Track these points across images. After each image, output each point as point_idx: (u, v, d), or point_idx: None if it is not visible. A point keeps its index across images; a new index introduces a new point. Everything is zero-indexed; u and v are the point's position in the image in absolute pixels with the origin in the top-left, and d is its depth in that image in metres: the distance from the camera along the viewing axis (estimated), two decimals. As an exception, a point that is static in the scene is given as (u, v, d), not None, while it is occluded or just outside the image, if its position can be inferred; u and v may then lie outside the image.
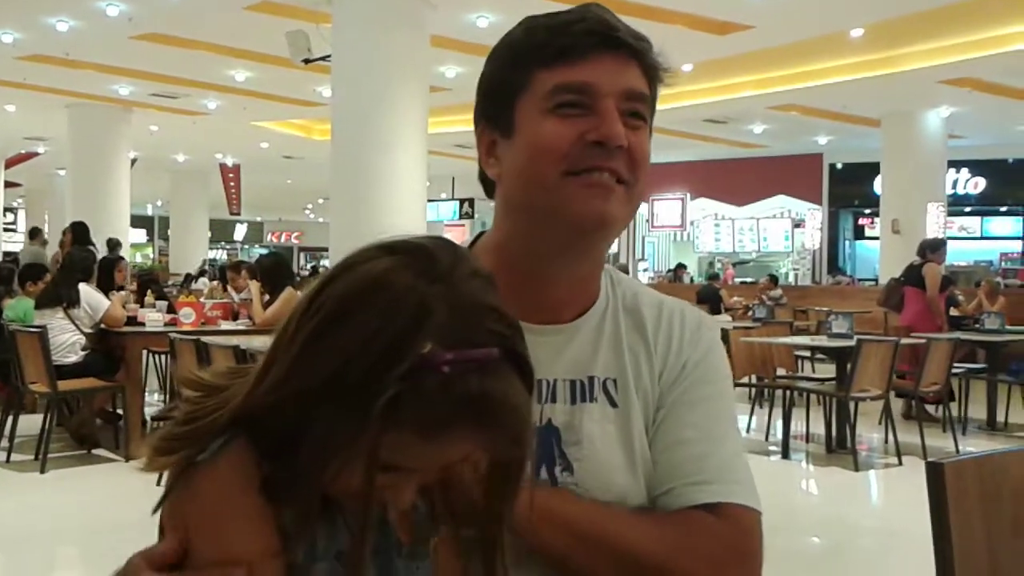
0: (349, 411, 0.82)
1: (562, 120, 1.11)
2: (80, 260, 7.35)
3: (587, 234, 1.13)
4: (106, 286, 8.11)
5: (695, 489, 1.13)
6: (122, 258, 9.13)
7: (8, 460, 6.34)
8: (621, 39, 1.13)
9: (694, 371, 1.21)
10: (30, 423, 6.77)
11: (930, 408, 8.28)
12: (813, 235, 20.70)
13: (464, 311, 0.84)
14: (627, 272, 16.41)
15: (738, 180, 21.01)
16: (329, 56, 9.63)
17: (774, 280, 16.11)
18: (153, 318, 7.37)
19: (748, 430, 8.09)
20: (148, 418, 7.14)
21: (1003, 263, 20.19)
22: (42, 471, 6.06)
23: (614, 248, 23.81)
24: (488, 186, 1.21)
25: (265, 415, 0.87)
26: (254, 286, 7.55)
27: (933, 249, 8.91)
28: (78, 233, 10.69)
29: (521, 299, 1.12)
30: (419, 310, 0.82)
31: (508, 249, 1.18)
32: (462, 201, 22.95)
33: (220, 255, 34.33)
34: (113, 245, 12.36)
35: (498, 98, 1.16)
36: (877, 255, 17.41)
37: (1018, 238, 20.97)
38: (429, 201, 10.02)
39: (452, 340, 0.81)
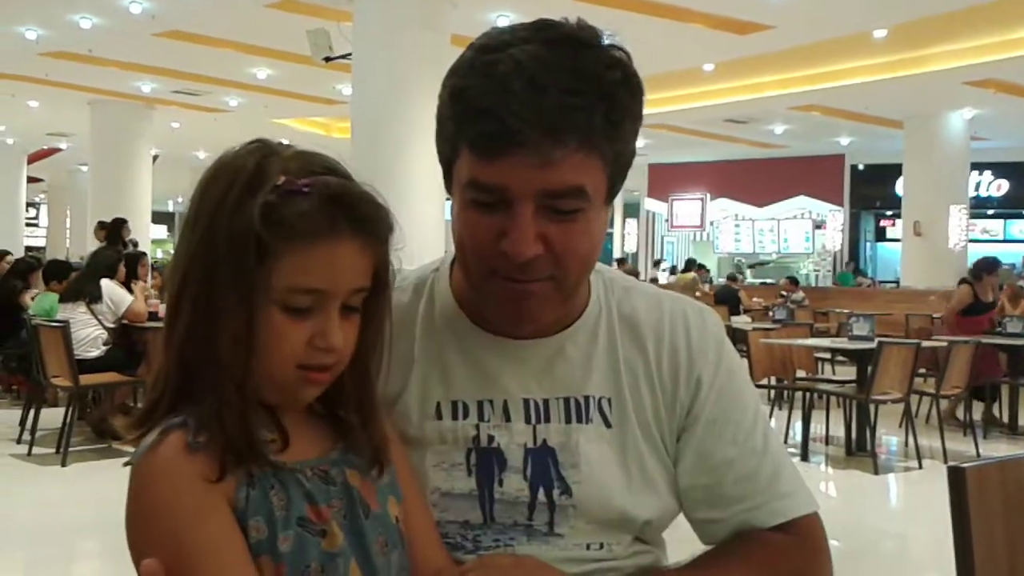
0: (236, 265, 0.91)
1: (479, 215, 1.04)
2: (106, 257, 7.41)
3: (509, 326, 1.14)
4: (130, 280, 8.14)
5: (757, 513, 1.16)
6: (144, 253, 9.19)
7: (30, 453, 6.39)
8: (540, 136, 0.97)
9: (714, 382, 1.18)
10: (52, 417, 6.83)
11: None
12: (834, 236, 20.58)
13: (302, 156, 0.98)
14: (638, 275, 16.43)
15: (758, 180, 20.94)
16: (350, 54, 9.65)
17: (795, 282, 16.01)
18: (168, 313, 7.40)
19: (766, 432, 8.05)
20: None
21: (1026, 266, 20.03)
22: (63, 464, 6.11)
23: (632, 248, 23.83)
24: None
25: (183, 339, 0.95)
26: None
27: (989, 271, 8.87)
28: (115, 230, 10.91)
29: (500, 314, 1.13)
30: (263, 159, 0.96)
31: (468, 282, 1.16)
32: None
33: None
34: (134, 245, 12.48)
35: (440, 145, 1.09)
36: (898, 257, 17.32)
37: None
38: (447, 199, 10.01)
39: (298, 172, 0.94)
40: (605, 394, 1.16)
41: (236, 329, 0.92)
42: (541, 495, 1.12)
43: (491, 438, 1.13)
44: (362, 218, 0.95)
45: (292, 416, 1.00)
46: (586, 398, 1.16)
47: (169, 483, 0.91)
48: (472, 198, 1.04)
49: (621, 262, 19.02)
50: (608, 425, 1.16)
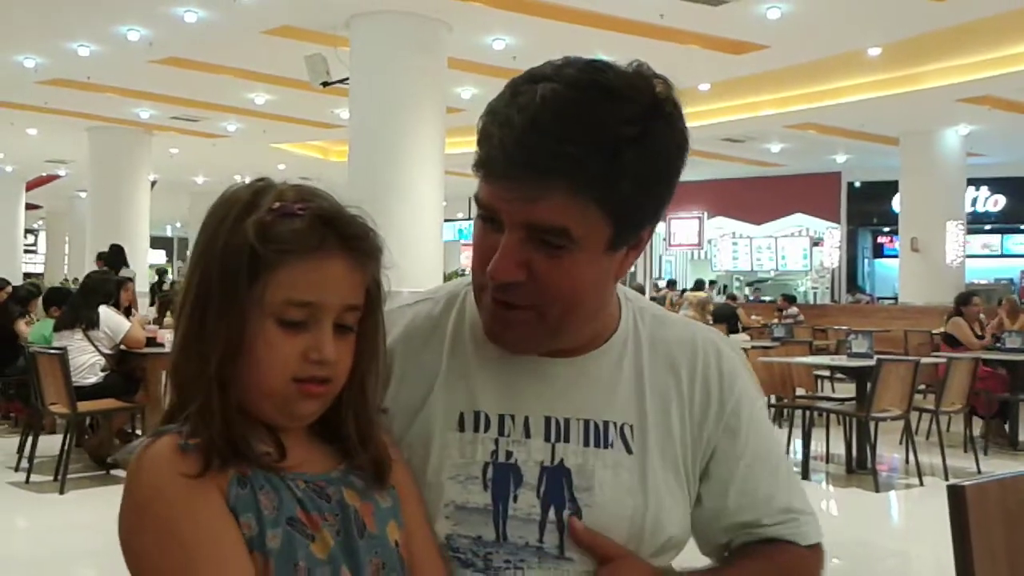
0: (229, 279, 0.96)
1: (484, 230, 1.09)
2: (100, 283, 7.39)
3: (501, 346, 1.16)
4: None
5: (790, 533, 1.22)
6: (129, 279, 9.04)
7: (28, 481, 6.36)
8: (522, 172, 1.01)
9: (751, 416, 1.22)
10: (49, 444, 6.80)
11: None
12: (832, 253, 20.61)
13: (297, 187, 1.04)
14: (643, 291, 16.45)
15: (756, 199, 20.98)
16: (347, 79, 9.70)
17: (790, 299, 16.02)
18: (173, 339, 7.38)
19: (767, 450, 8.02)
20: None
21: (1024, 281, 20.04)
22: (61, 492, 6.08)
23: (630, 267, 23.84)
24: None
25: (187, 355, 0.99)
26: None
27: (964, 304, 9.10)
28: (111, 256, 10.96)
29: (487, 330, 1.15)
30: (259, 189, 1.02)
31: None
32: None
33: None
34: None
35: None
36: (896, 273, 17.33)
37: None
38: (446, 220, 10.04)
39: (293, 199, 1.00)
40: (628, 420, 1.17)
41: (225, 339, 0.96)
42: (552, 514, 1.12)
43: (509, 454, 1.13)
44: (352, 236, 1.01)
45: (294, 438, 1.02)
46: (606, 423, 1.16)
47: (160, 475, 0.93)
48: (479, 212, 1.09)
49: (671, 284, 19.23)
50: (629, 452, 1.16)
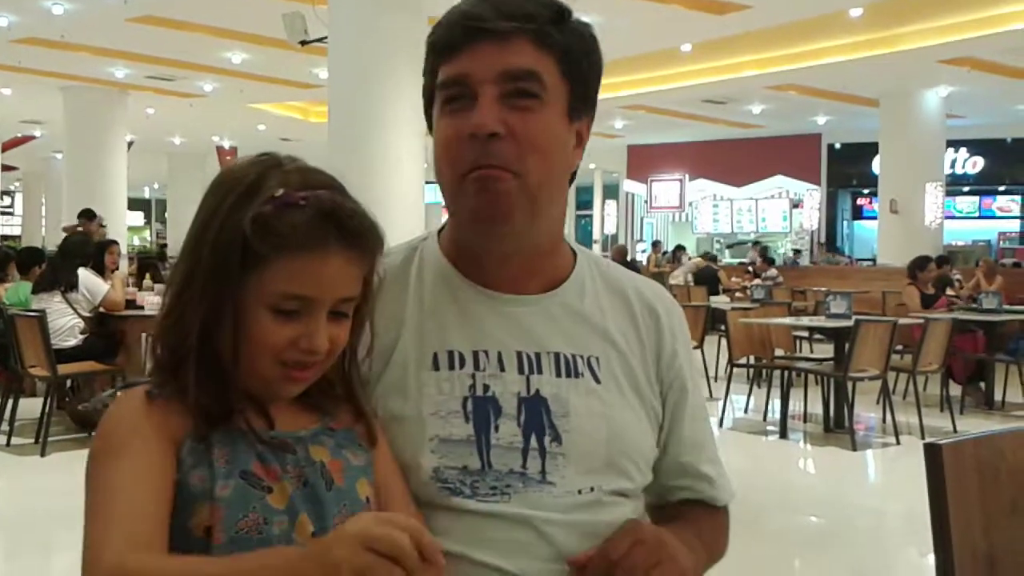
0: (219, 266, 0.98)
1: (451, 116, 1.15)
2: (78, 244, 7.32)
3: (487, 229, 1.18)
4: (99, 268, 8.02)
5: (716, 491, 1.33)
6: (114, 241, 8.93)
7: (8, 444, 6.35)
8: (485, 26, 1.12)
9: (688, 362, 1.31)
10: (30, 407, 6.78)
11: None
12: (811, 215, 20.68)
13: (301, 170, 1.05)
14: (627, 254, 16.46)
15: (737, 160, 20.98)
16: (325, 38, 9.58)
17: (769, 260, 16.04)
18: (152, 301, 7.36)
19: (746, 410, 8.10)
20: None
21: (1001, 242, 20.18)
22: (42, 454, 6.07)
23: (611, 229, 23.86)
24: None
25: (176, 327, 1.01)
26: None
27: (920, 268, 9.39)
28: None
29: (483, 273, 1.22)
30: (263, 170, 1.02)
31: (454, 233, 1.25)
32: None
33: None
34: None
35: (425, 101, 1.23)
36: (875, 235, 17.42)
37: (1017, 217, 20.96)
38: (427, 183, 9.98)
39: (297, 187, 1.00)
40: (594, 353, 1.23)
41: (202, 321, 0.99)
42: (533, 441, 1.17)
43: (486, 387, 1.18)
44: (352, 232, 1.01)
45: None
46: (574, 356, 1.22)
47: (113, 420, 0.98)
48: (445, 97, 1.16)
49: (656, 245, 19.57)
50: (598, 381, 1.22)
